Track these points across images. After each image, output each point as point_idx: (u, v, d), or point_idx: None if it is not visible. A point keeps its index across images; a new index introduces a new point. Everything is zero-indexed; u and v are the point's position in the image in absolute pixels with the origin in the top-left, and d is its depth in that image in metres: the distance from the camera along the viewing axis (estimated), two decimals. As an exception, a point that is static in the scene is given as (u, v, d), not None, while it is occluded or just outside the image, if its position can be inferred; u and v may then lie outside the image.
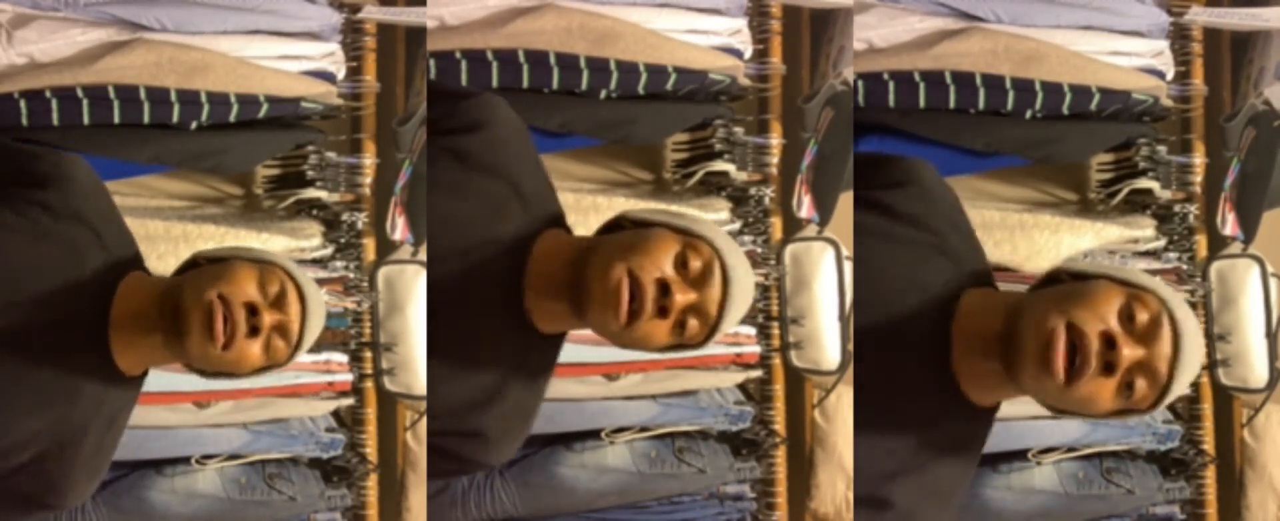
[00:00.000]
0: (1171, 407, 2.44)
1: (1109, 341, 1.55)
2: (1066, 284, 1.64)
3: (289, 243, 2.36)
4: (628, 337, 1.67)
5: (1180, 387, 1.58)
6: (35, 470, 1.69)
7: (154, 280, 1.73)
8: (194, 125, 2.30)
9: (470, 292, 1.74)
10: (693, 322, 1.67)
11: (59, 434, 1.69)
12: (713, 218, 2.43)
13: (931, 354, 1.68)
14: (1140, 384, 1.56)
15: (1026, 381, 1.60)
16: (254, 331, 1.64)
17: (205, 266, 1.70)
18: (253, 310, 1.64)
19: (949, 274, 1.71)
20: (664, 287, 1.64)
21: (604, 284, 1.64)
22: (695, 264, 1.66)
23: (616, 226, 1.76)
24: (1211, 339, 2.43)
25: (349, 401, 2.38)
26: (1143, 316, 1.56)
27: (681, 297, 1.64)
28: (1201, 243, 2.44)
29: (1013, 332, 1.60)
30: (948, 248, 1.74)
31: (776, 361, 2.43)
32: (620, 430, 2.41)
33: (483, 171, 1.79)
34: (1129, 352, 1.54)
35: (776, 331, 2.42)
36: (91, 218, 1.73)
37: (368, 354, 2.38)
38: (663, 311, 1.64)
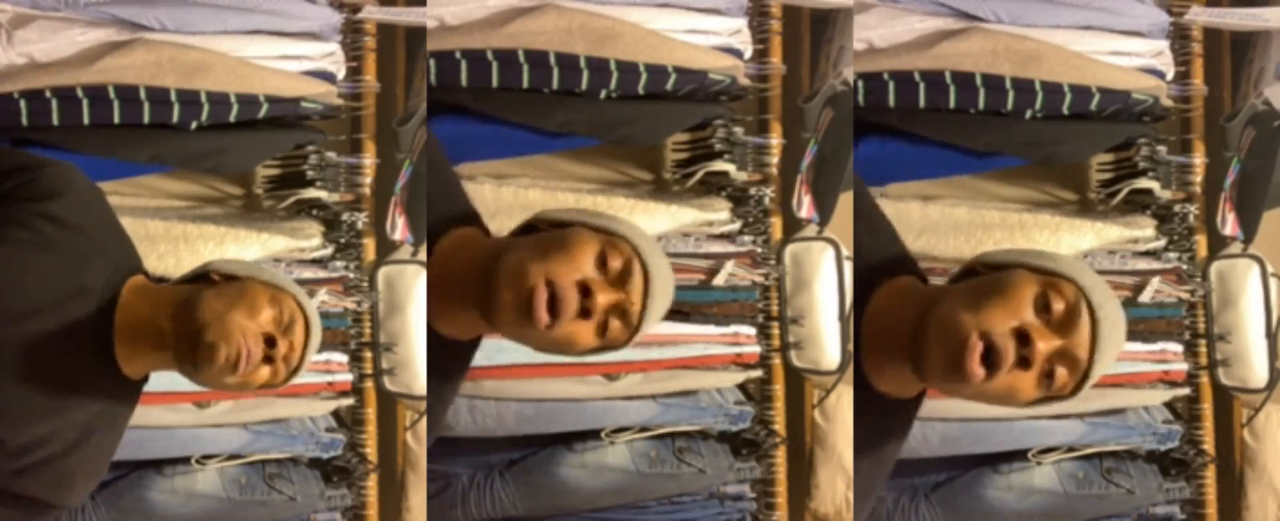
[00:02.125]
0: (1171, 407, 2.44)
1: (1023, 336, 1.53)
2: (982, 276, 1.61)
3: (289, 242, 2.36)
4: (548, 341, 1.62)
5: (1100, 371, 1.57)
6: (40, 471, 1.70)
7: (161, 290, 1.73)
8: (194, 125, 2.30)
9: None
10: (615, 323, 1.63)
11: (64, 437, 1.70)
12: (713, 217, 2.43)
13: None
14: (1060, 372, 1.55)
15: (936, 384, 1.58)
16: (267, 360, 1.66)
17: (221, 285, 1.70)
18: (270, 340, 1.66)
19: (857, 269, 1.70)
20: (584, 289, 1.60)
21: (518, 288, 1.59)
22: (615, 263, 1.62)
23: (531, 228, 1.71)
24: (1211, 339, 2.43)
25: (349, 401, 2.38)
26: (1058, 305, 1.54)
27: (603, 298, 1.60)
28: (1201, 243, 2.44)
29: (920, 334, 1.57)
30: (857, 244, 1.73)
31: (776, 361, 2.43)
32: (620, 430, 2.41)
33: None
34: (1044, 346, 1.53)
35: (776, 331, 2.42)
36: (93, 227, 1.74)
37: (368, 354, 2.38)
38: (585, 313, 1.60)
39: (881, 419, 1.71)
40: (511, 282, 1.59)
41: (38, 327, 1.66)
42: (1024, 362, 1.53)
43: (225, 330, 1.62)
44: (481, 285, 1.63)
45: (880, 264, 1.71)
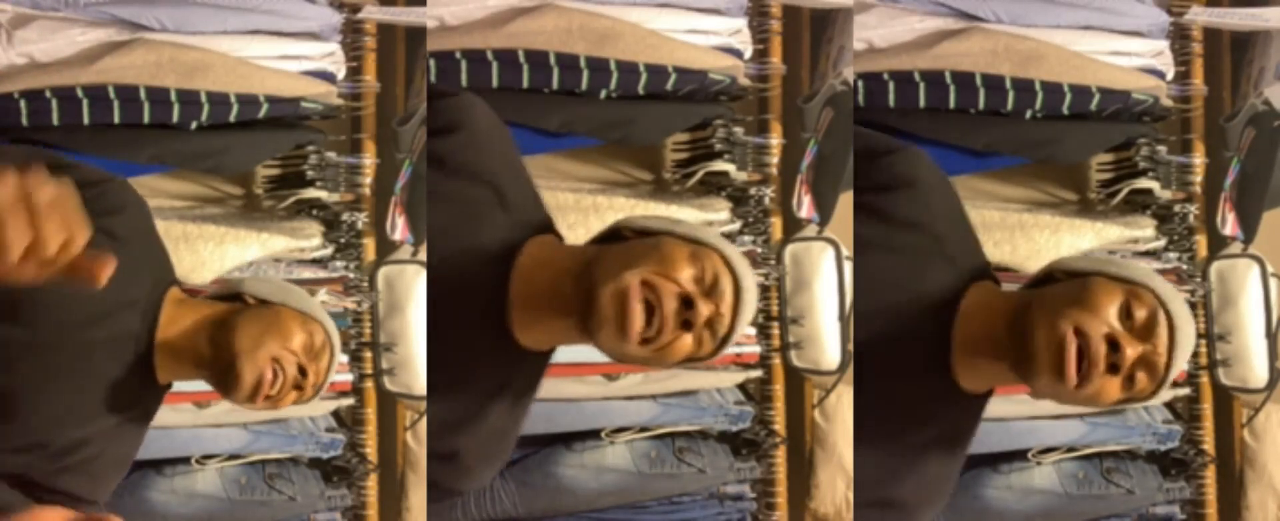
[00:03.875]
0: (1171, 407, 2.44)
1: (1113, 342, 1.58)
2: (1064, 283, 1.66)
3: (289, 242, 2.36)
4: (644, 355, 1.60)
5: (1175, 375, 1.63)
6: (80, 471, 1.75)
7: (201, 308, 1.77)
8: (194, 125, 2.30)
9: (451, 307, 1.67)
10: (706, 335, 1.60)
11: (101, 440, 1.75)
12: (713, 218, 2.43)
13: (932, 356, 1.68)
14: (1141, 376, 1.61)
15: (1040, 384, 1.62)
16: (299, 388, 1.72)
17: (255, 311, 1.73)
18: (301, 369, 1.71)
19: (949, 275, 1.71)
20: (684, 300, 1.57)
21: (621, 300, 1.55)
22: (708, 275, 1.60)
23: (614, 235, 1.67)
24: (1211, 339, 2.43)
25: (349, 401, 2.38)
26: (1141, 313, 1.60)
27: (705, 310, 1.58)
28: (1201, 243, 2.44)
29: (1023, 337, 1.61)
30: (946, 249, 1.74)
31: (776, 361, 2.43)
32: (620, 430, 2.41)
33: (461, 176, 1.71)
34: (1131, 352, 1.58)
35: (776, 331, 2.42)
36: (140, 241, 1.76)
37: (368, 354, 2.38)
38: (686, 325, 1.57)
39: (963, 414, 1.75)
40: (613, 294, 1.56)
41: (90, 337, 1.69)
42: (1113, 368, 1.58)
43: (256, 360, 1.68)
44: (576, 296, 1.60)
45: (971, 267, 1.74)
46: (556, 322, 1.64)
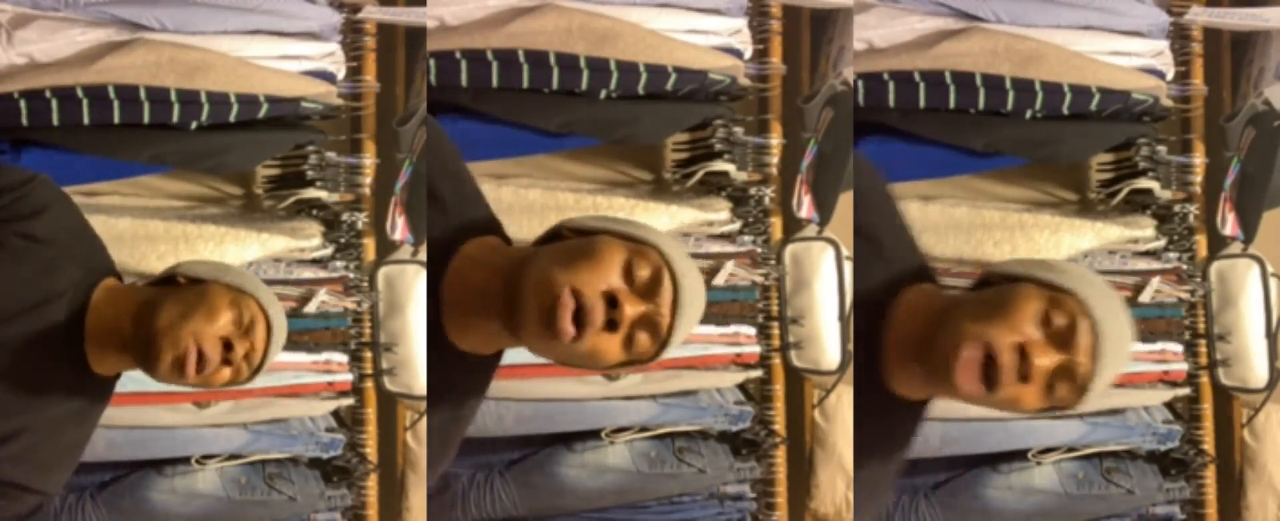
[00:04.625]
0: (1171, 407, 2.44)
1: (1023, 352, 1.54)
2: (994, 288, 1.63)
3: (289, 242, 2.36)
4: (574, 355, 1.55)
5: (1103, 385, 1.59)
6: (20, 460, 1.76)
7: (130, 291, 1.77)
8: (194, 125, 2.30)
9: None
10: (642, 336, 1.56)
11: (38, 430, 1.75)
12: (713, 217, 2.43)
13: (864, 357, 1.66)
14: (1060, 387, 1.57)
15: (944, 392, 1.60)
16: (226, 362, 1.70)
17: (184, 289, 1.73)
18: (227, 344, 1.68)
19: (881, 276, 1.69)
20: (611, 300, 1.53)
21: (543, 299, 1.52)
22: (643, 272, 1.55)
23: (555, 235, 1.64)
24: (1211, 339, 2.43)
25: (349, 401, 2.38)
26: (1059, 321, 1.56)
27: (631, 309, 1.53)
28: (1201, 243, 2.44)
29: (932, 342, 1.58)
30: (881, 252, 1.73)
31: (776, 361, 2.43)
32: (620, 430, 2.41)
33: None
34: (1042, 362, 1.55)
35: (776, 331, 2.42)
36: (63, 236, 1.78)
37: (368, 354, 2.38)
38: (612, 325, 1.53)
39: (893, 421, 1.72)
40: (536, 293, 1.52)
41: (10, 334, 1.71)
42: (1025, 377, 1.55)
43: (175, 337, 1.66)
44: (505, 296, 1.57)
45: (905, 270, 1.71)
46: (487, 325, 1.61)
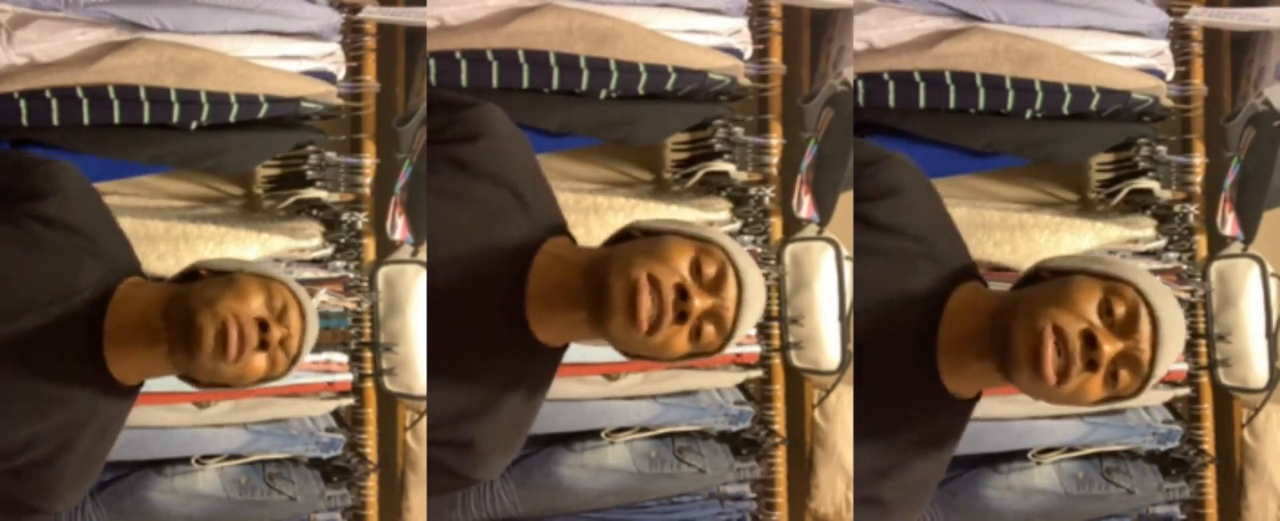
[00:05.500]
0: (1171, 407, 2.44)
1: (1090, 339, 1.59)
2: (1047, 281, 1.68)
3: (289, 242, 2.36)
4: (648, 345, 1.66)
5: (1162, 371, 1.64)
6: (27, 475, 1.72)
7: (153, 289, 1.74)
8: (194, 125, 2.30)
9: (470, 302, 1.73)
10: (709, 328, 1.66)
11: (51, 441, 1.71)
12: (713, 218, 2.43)
13: (919, 356, 1.70)
14: (1124, 374, 1.62)
15: (1021, 382, 1.64)
16: (263, 346, 1.68)
17: (211, 278, 1.71)
18: (263, 325, 1.67)
19: (934, 276, 1.74)
20: (681, 292, 1.64)
21: (626, 290, 1.62)
22: (710, 269, 1.66)
23: (625, 237, 1.75)
24: (1211, 339, 2.43)
25: (349, 401, 2.38)
26: (1120, 309, 1.61)
27: (700, 302, 1.64)
28: (1201, 243, 2.44)
29: (1005, 336, 1.63)
30: (933, 252, 1.77)
31: (776, 361, 2.43)
32: (620, 430, 2.41)
33: (484, 180, 1.78)
34: (1109, 348, 1.60)
35: (776, 331, 2.42)
36: (86, 227, 1.74)
37: (368, 354, 2.38)
38: (681, 316, 1.64)
39: (950, 417, 1.77)
40: (622, 285, 1.63)
41: (23, 327, 1.67)
42: (1092, 365, 1.60)
43: (215, 313, 1.64)
44: (586, 290, 1.67)
45: (958, 268, 1.77)
46: (569, 317, 1.71)
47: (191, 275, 1.74)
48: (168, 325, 1.67)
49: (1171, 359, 1.65)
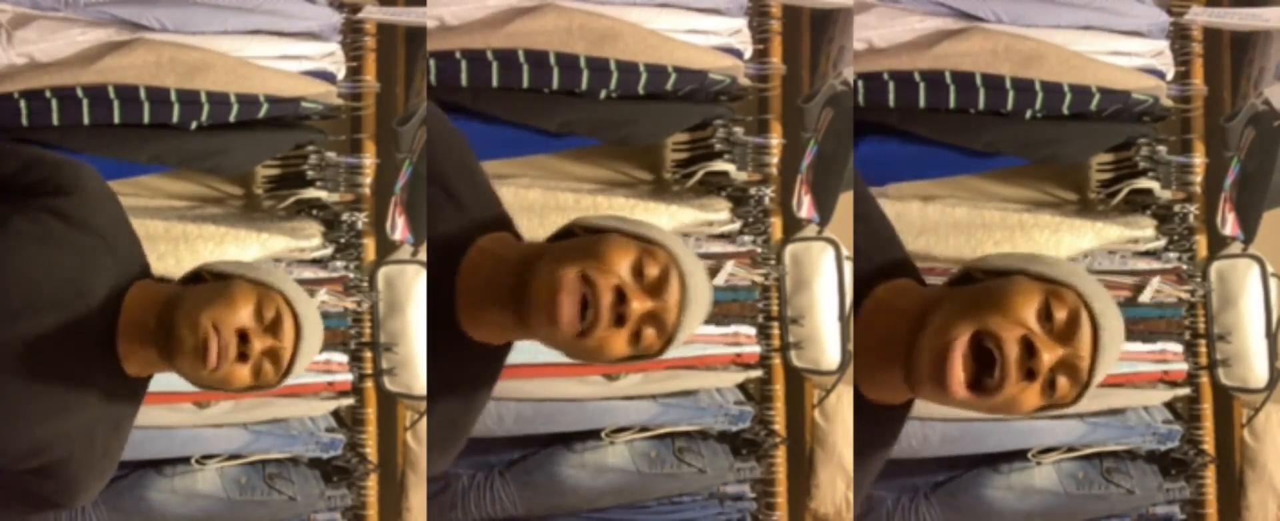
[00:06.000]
0: (1171, 407, 2.44)
1: (1029, 346, 1.50)
2: (982, 282, 1.58)
3: (289, 242, 2.36)
4: (581, 348, 1.59)
5: (1100, 379, 1.54)
6: (47, 472, 1.73)
7: (158, 289, 1.74)
8: (194, 125, 2.30)
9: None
10: (649, 331, 1.59)
11: (69, 438, 1.71)
12: (713, 217, 2.43)
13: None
14: (1062, 382, 1.52)
15: (924, 395, 1.55)
16: (243, 357, 1.65)
17: (207, 283, 1.71)
18: (243, 336, 1.65)
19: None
20: (620, 295, 1.56)
21: (551, 291, 1.56)
22: (652, 271, 1.59)
23: (567, 234, 1.68)
24: (1211, 339, 2.43)
25: (349, 401, 2.38)
26: (1061, 314, 1.51)
27: (639, 305, 1.57)
28: (1201, 243, 2.44)
29: (913, 341, 1.53)
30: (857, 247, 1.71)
31: (776, 361, 2.43)
32: (620, 430, 2.41)
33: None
34: (1048, 356, 1.50)
35: (776, 331, 2.42)
36: (104, 227, 1.74)
37: (368, 354, 2.38)
38: (619, 320, 1.57)
39: (869, 427, 1.69)
40: (544, 286, 1.57)
41: (40, 325, 1.67)
42: (1029, 374, 1.50)
43: (193, 322, 1.63)
44: (516, 289, 1.61)
45: (879, 266, 1.68)
46: (498, 315, 1.65)
47: (196, 277, 1.74)
48: (158, 328, 1.68)
49: (1110, 365, 1.54)
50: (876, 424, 1.69)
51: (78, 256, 1.70)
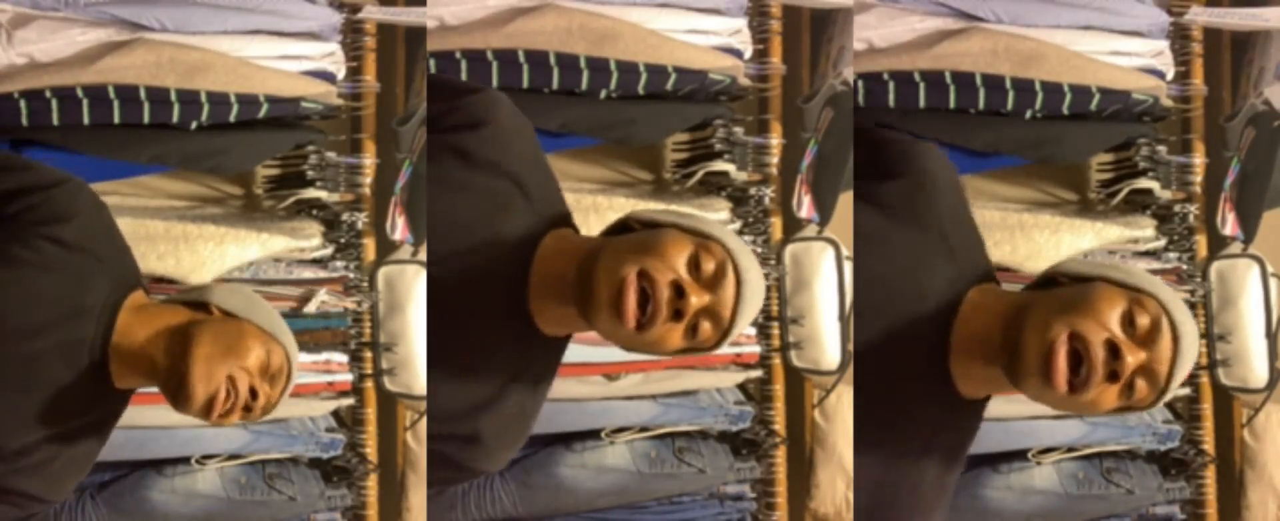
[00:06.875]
0: (1171, 407, 2.44)
1: (1114, 349, 1.56)
2: (1067, 287, 1.64)
3: (289, 242, 2.36)
4: (640, 341, 1.62)
5: (1177, 384, 1.61)
6: (34, 472, 1.75)
7: (162, 313, 1.75)
8: (194, 125, 2.30)
9: (473, 294, 1.70)
10: (706, 325, 1.62)
11: (55, 442, 1.74)
12: (713, 218, 2.43)
13: (931, 359, 1.67)
14: (1141, 385, 1.58)
15: (1029, 389, 1.60)
16: (247, 409, 1.70)
17: (218, 323, 1.72)
18: (253, 391, 1.69)
19: (949, 275, 1.70)
20: (678, 289, 1.59)
21: (612, 286, 1.59)
22: (708, 265, 1.62)
23: (624, 228, 1.71)
24: (1211, 339, 2.43)
25: (349, 401, 2.38)
26: (1144, 320, 1.58)
27: (696, 300, 1.60)
28: (1201, 243, 2.44)
29: (1015, 340, 1.59)
30: (949, 247, 1.73)
31: (776, 361, 2.43)
32: (620, 430, 2.41)
33: (486, 169, 1.74)
34: (1132, 360, 1.56)
35: (776, 331, 2.42)
36: (98, 246, 1.75)
37: (368, 354, 2.38)
38: (677, 314, 1.60)
39: (964, 421, 1.73)
40: (606, 281, 1.59)
41: (37, 346, 1.69)
42: (1113, 376, 1.56)
43: (210, 374, 1.66)
44: (578, 283, 1.64)
45: (973, 269, 1.73)
46: (563, 309, 1.68)
47: (201, 304, 1.75)
48: (168, 364, 1.69)
49: (1187, 371, 1.61)
50: (969, 416, 1.73)
51: (71, 278, 1.72)
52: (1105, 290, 1.60)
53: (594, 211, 2.38)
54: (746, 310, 1.65)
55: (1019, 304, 1.64)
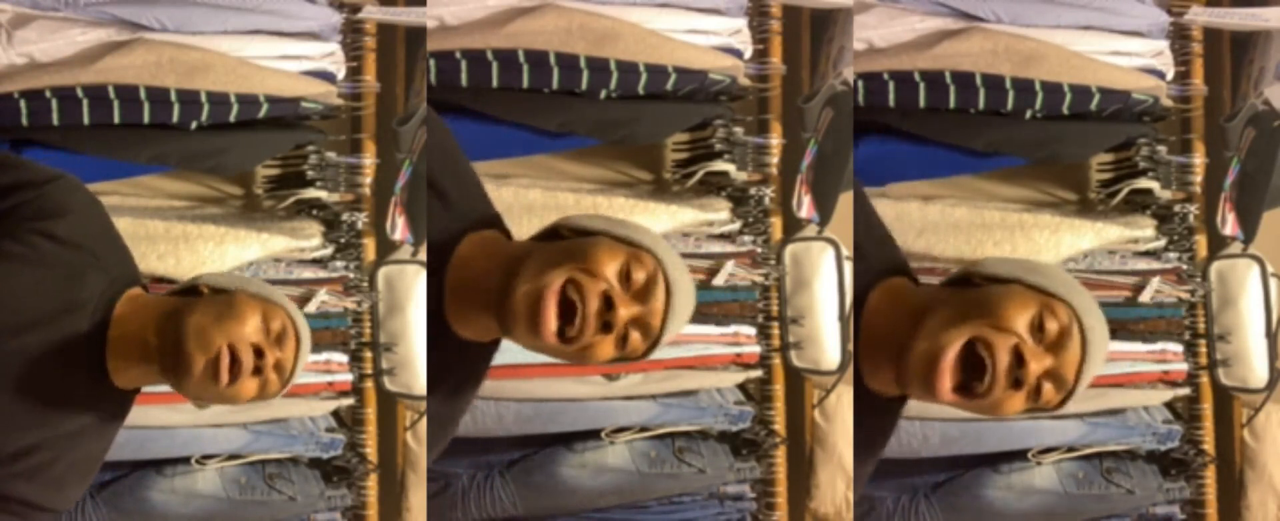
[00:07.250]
0: (1171, 407, 2.44)
1: (1019, 356, 1.54)
2: (979, 288, 1.62)
3: (289, 242, 2.36)
4: (565, 352, 1.59)
5: (1085, 387, 1.59)
6: (32, 477, 1.73)
7: (153, 302, 1.74)
8: (194, 125, 2.30)
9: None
10: (635, 335, 1.60)
11: (55, 445, 1.72)
12: (713, 217, 2.43)
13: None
14: (1047, 388, 1.56)
15: (913, 394, 1.58)
16: (256, 371, 1.66)
17: (209, 298, 1.70)
18: (258, 351, 1.65)
19: (857, 274, 1.70)
20: (607, 301, 1.56)
21: (535, 297, 1.55)
22: (639, 275, 1.59)
23: (553, 234, 1.68)
24: (1211, 339, 2.43)
25: (349, 401, 2.38)
26: (1052, 326, 1.56)
27: (625, 311, 1.57)
28: (1201, 243, 2.44)
29: (907, 342, 1.57)
30: (859, 251, 1.72)
31: (776, 361, 2.43)
32: (620, 430, 2.41)
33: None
34: (1036, 366, 1.54)
35: (776, 331, 2.42)
36: (91, 242, 1.74)
37: (368, 354, 2.38)
38: (606, 326, 1.57)
39: (875, 417, 1.72)
40: (529, 292, 1.56)
41: (31, 342, 1.67)
42: (1016, 383, 1.54)
43: (205, 341, 1.63)
44: (501, 290, 1.60)
45: (877, 266, 1.70)
46: (484, 316, 1.65)
47: (191, 290, 1.74)
48: (160, 343, 1.67)
49: (1095, 373, 1.59)
50: (882, 413, 1.72)
51: (66, 273, 1.71)
52: (1017, 294, 1.57)
53: (594, 211, 2.38)
54: (676, 319, 1.63)
55: (926, 302, 1.61)
